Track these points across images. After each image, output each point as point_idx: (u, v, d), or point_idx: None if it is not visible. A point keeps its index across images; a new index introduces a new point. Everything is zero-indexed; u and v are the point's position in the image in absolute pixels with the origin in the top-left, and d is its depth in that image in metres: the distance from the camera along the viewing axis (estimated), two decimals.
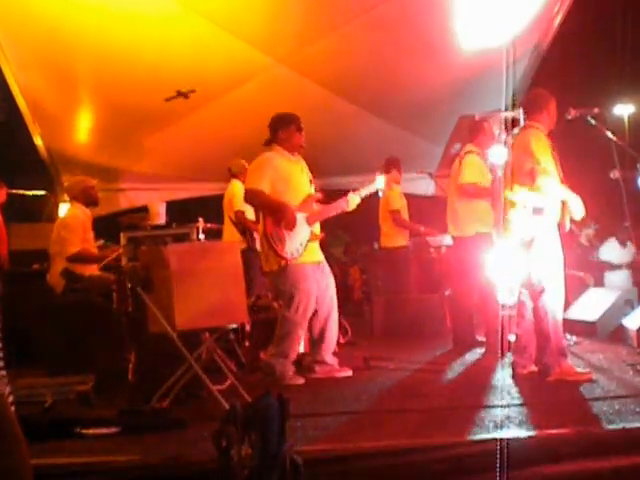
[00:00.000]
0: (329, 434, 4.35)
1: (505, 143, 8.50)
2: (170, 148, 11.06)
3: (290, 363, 6.38)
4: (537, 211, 5.92)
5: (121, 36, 8.39)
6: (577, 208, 5.95)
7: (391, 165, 9.96)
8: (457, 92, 10.50)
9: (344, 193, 6.79)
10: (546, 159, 5.91)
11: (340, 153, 10.56)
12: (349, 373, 6.49)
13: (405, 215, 10.18)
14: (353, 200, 6.70)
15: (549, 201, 5.94)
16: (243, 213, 8.55)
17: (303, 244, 6.35)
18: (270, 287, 6.50)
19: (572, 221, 6.19)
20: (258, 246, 7.89)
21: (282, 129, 6.55)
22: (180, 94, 8.30)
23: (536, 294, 5.94)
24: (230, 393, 5.24)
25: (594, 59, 13.21)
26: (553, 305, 5.90)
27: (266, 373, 6.29)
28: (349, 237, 22.00)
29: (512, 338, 6.55)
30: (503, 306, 7.19)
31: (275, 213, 6.30)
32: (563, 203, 6.02)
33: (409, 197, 10.49)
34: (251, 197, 6.45)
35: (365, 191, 6.83)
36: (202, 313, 5.14)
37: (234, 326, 6.14)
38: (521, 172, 5.98)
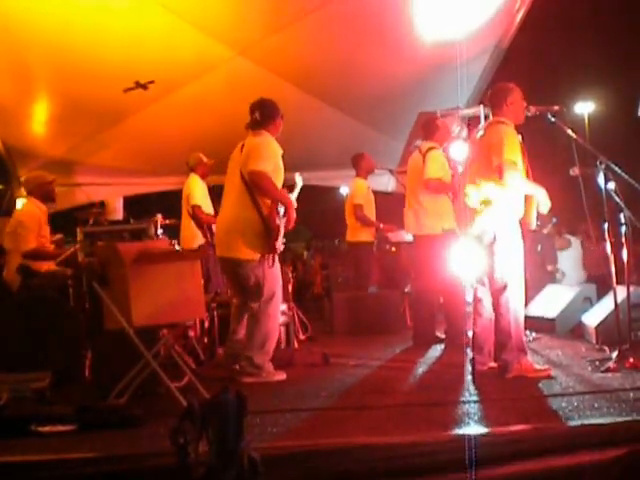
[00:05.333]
0: (287, 431, 4.35)
1: (465, 139, 8.63)
2: (128, 141, 10.97)
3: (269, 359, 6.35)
4: (500, 207, 5.94)
5: (78, 26, 8.22)
6: (544, 201, 6.00)
7: (358, 160, 10.11)
8: (417, 87, 10.58)
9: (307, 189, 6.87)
10: (514, 154, 5.91)
11: (299, 148, 10.48)
12: (283, 377, 6.32)
13: (370, 211, 10.20)
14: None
15: (513, 197, 5.97)
16: (200, 208, 8.54)
17: (282, 239, 6.32)
18: (240, 278, 6.27)
19: (537, 217, 6.27)
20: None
21: (273, 119, 6.45)
22: (139, 85, 8.29)
23: (498, 291, 5.96)
24: (188, 390, 5.24)
25: (556, 57, 13.36)
26: (515, 302, 5.92)
27: (248, 373, 6.20)
28: (310, 232, 22.10)
29: (470, 335, 6.59)
30: (467, 303, 7.34)
31: (282, 206, 6.24)
32: (527, 200, 6.07)
33: (373, 192, 10.49)
34: (260, 180, 6.12)
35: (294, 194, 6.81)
36: (159, 309, 5.13)
37: (192, 322, 6.27)
38: (488, 168, 5.97)
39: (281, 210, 6.22)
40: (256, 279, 6.22)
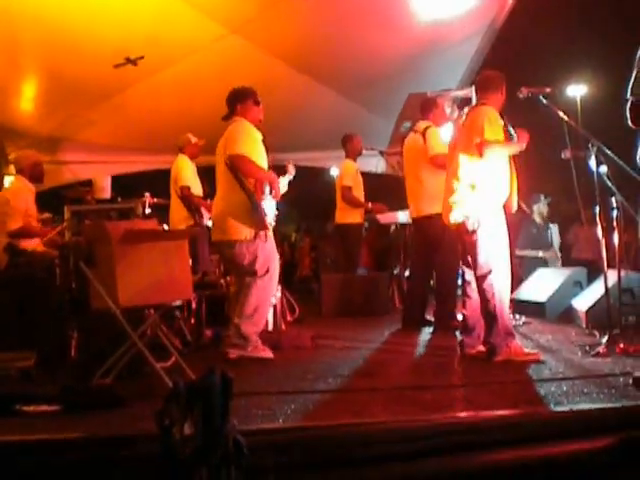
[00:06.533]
0: (273, 414, 4.33)
1: (455, 121, 8.59)
2: (118, 119, 10.95)
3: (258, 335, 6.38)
4: (484, 191, 5.95)
5: (68, 1, 8.18)
6: (521, 146, 6.07)
7: (347, 141, 10.08)
8: (408, 68, 10.56)
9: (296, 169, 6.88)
10: (497, 135, 5.93)
11: (291, 127, 10.64)
12: (270, 355, 6.34)
13: (359, 192, 10.19)
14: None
15: (497, 180, 5.99)
16: (189, 189, 8.49)
17: (274, 215, 6.38)
18: (237, 259, 6.33)
19: (519, 197, 6.28)
20: (206, 221, 8.04)
21: (240, 103, 6.54)
22: (129, 61, 8.22)
23: (483, 276, 5.97)
24: (174, 371, 5.23)
25: (549, 38, 13.30)
26: (499, 285, 5.94)
27: (234, 344, 6.22)
28: (300, 214, 22.07)
29: (460, 317, 6.62)
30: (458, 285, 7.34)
31: (265, 182, 6.29)
32: (511, 182, 6.08)
33: (361, 174, 10.45)
34: (239, 163, 6.26)
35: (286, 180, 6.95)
36: (146, 289, 5.13)
37: (179, 303, 6.21)
38: (469, 147, 6.00)
39: (267, 188, 6.29)
40: (251, 257, 6.30)
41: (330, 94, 11.14)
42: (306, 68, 10.43)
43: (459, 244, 6.40)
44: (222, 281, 7.74)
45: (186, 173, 8.59)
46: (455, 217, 6.09)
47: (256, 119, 6.58)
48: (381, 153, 10.91)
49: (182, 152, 8.81)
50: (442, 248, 7.65)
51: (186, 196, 8.45)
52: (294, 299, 9.09)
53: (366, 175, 10.69)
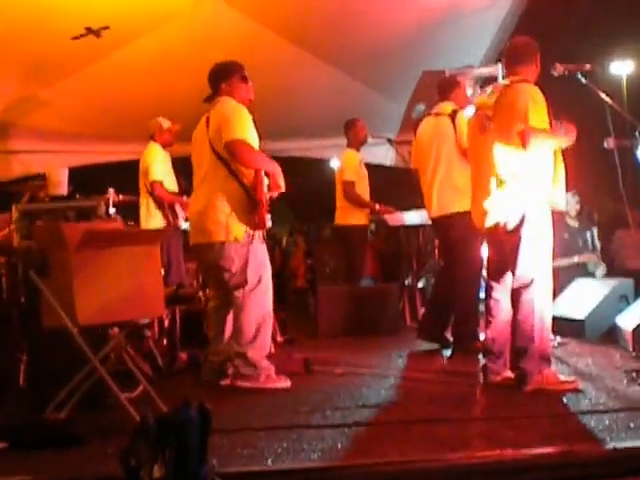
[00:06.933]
0: (260, 454, 4.30)
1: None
2: (76, 101, 10.89)
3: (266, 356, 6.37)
4: (526, 185, 5.86)
5: None
6: (571, 139, 5.97)
7: (349, 127, 10.07)
8: (422, 41, 10.47)
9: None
10: (542, 119, 5.84)
11: (281, 111, 10.59)
12: (287, 384, 6.35)
13: (363, 188, 10.15)
14: None
15: (542, 171, 5.90)
16: (160, 184, 8.47)
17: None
18: (222, 266, 6.24)
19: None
20: (182, 223, 8.06)
21: (224, 81, 6.49)
22: (90, 32, 8.20)
23: (521, 288, 5.88)
24: (143, 402, 5.21)
25: (589, 5, 13.25)
26: (541, 300, 5.86)
27: (243, 375, 6.20)
28: (293, 214, 22.09)
29: (482, 339, 6.59)
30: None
31: (269, 174, 6.27)
32: (555, 175, 5.98)
33: (367, 166, 10.43)
34: (240, 150, 6.17)
35: None
36: (109, 304, 5.08)
37: (149, 320, 6.26)
38: (508, 135, 5.87)
39: (265, 180, 6.25)
40: (241, 261, 6.23)
41: (329, 71, 11.05)
42: (301, 39, 10.34)
43: (492, 252, 6.37)
44: (200, 294, 7.68)
45: (157, 165, 8.55)
46: (494, 219, 6.00)
47: (245, 99, 6.53)
48: (390, 141, 10.89)
49: (153, 140, 8.77)
50: (464, 255, 7.64)
51: (157, 192, 8.42)
52: (286, 315, 9.06)
53: (372, 168, 10.66)
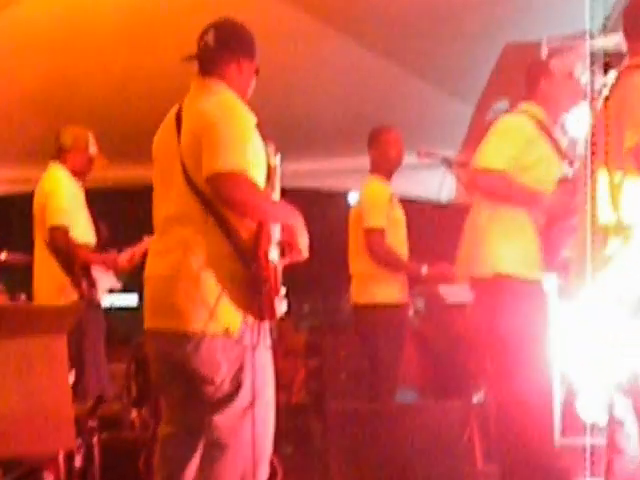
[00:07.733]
0: None
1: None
2: None
3: None
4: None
5: None
6: None
7: (375, 140, 7.58)
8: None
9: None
10: None
11: (283, 113, 8.32)
12: None
13: (398, 240, 7.52)
14: None
15: None
16: (66, 231, 6.76)
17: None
18: (197, 371, 4.28)
19: None
20: (102, 294, 7.06)
21: (236, 54, 4.51)
22: None
23: None
24: None
25: None
26: None
27: None
28: (289, 284, 21.17)
29: None
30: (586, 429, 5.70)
31: (277, 224, 4.39)
32: None
33: (405, 204, 7.84)
34: (234, 191, 4.16)
35: None
36: None
37: (50, 457, 5.27)
38: (619, 155, 4.52)
39: (276, 232, 4.31)
40: (231, 369, 4.29)
41: (354, 50, 8.60)
42: (314, 6, 8.11)
43: None
44: (134, 414, 6.53)
45: (62, 201, 6.87)
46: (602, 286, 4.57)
47: (244, 92, 4.59)
48: (447, 162, 7.82)
49: (58, 160, 7.05)
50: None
51: (60, 245, 6.80)
52: (275, 450, 6.81)
53: (416, 206, 8.69)
